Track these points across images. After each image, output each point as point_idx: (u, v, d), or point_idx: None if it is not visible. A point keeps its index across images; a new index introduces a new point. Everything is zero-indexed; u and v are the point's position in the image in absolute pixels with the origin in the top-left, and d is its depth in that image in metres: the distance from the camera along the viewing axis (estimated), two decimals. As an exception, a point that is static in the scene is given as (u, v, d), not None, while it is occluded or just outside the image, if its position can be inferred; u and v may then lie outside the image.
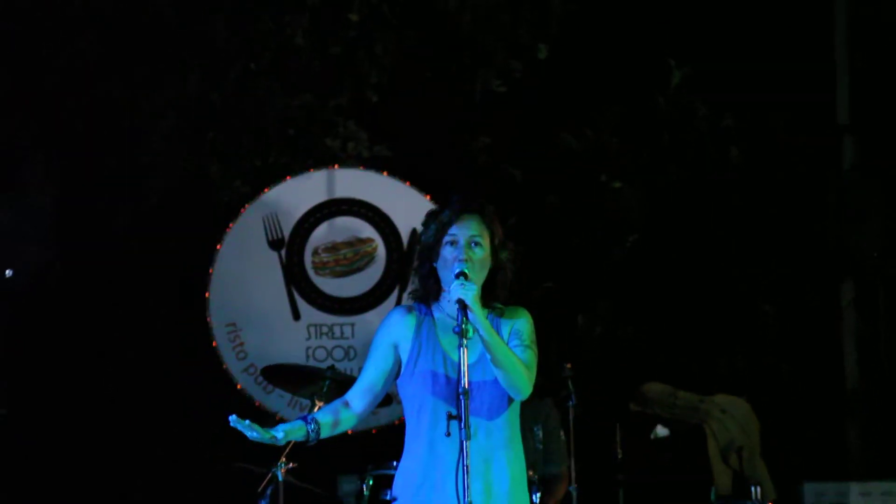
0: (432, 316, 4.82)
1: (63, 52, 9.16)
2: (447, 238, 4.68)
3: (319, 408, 6.72)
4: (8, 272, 8.20)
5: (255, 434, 4.54)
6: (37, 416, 8.93)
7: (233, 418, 4.53)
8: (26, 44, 9.15)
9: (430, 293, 4.80)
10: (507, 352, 4.62)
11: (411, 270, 5.07)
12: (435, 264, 4.71)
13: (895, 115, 9.55)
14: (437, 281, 4.72)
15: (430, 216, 4.80)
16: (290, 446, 6.58)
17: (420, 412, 4.74)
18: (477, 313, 4.53)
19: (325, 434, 4.70)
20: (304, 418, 4.67)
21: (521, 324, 4.76)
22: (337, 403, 4.83)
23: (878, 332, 9.83)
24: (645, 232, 9.80)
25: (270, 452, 6.62)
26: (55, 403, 9.20)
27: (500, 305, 4.77)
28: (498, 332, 4.63)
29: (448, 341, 4.72)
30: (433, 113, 9.72)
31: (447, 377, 4.69)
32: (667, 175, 9.84)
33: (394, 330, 4.80)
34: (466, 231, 4.71)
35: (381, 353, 4.79)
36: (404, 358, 4.76)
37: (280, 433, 4.57)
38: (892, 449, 9.61)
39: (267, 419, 8.25)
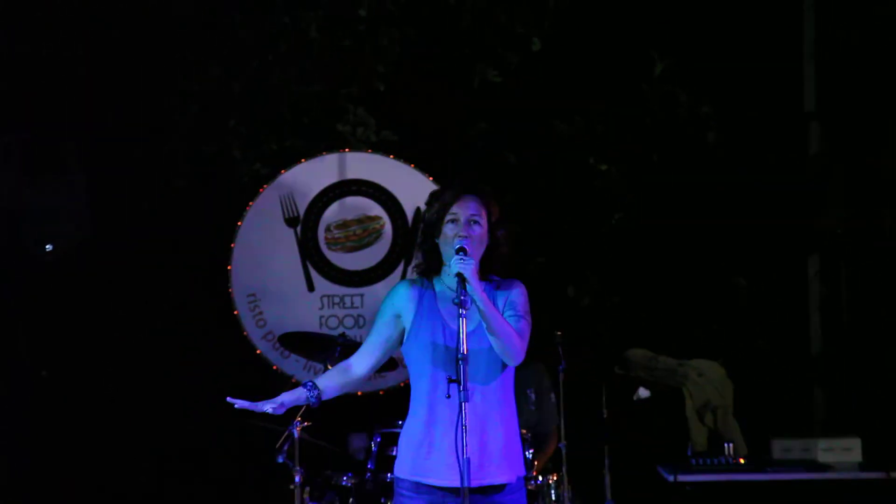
0: (433, 288, 4.89)
1: (97, 47, 9.17)
2: (449, 216, 4.76)
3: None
4: (48, 247, 8.24)
5: (259, 407, 4.67)
6: (74, 377, 8.96)
7: (239, 403, 4.66)
8: (63, 38, 9.16)
9: (431, 266, 4.87)
10: (502, 322, 4.68)
11: (415, 245, 5.10)
12: (437, 240, 4.78)
13: (857, 103, 9.54)
14: (439, 255, 4.80)
15: (434, 196, 4.88)
16: (304, 408, 6.65)
17: (422, 377, 4.82)
18: (475, 286, 4.60)
19: (326, 397, 4.79)
20: (305, 385, 4.77)
21: (516, 295, 4.83)
22: (340, 367, 4.93)
23: (840, 301, 9.83)
24: (629, 211, 9.79)
25: (288, 413, 6.68)
26: (91, 365, 9.24)
27: (496, 278, 4.83)
28: (494, 302, 4.71)
29: (447, 312, 4.80)
30: (435, 101, 9.73)
31: (445, 345, 4.76)
32: (649, 158, 9.83)
33: (397, 302, 4.87)
34: (466, 210, 4.78)
35: (384, 322, 4.86)
36: (407, 327, 4.84)
37: (282, 404, 4.71)
38: (853, 408, 9.65)
39: (284, 381, 8.30)
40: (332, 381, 4.89)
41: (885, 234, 8.98)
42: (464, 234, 4.76)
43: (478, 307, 4.64)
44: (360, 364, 4.93)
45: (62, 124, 8.50)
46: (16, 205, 8.32)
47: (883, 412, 9.25)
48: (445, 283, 4.89)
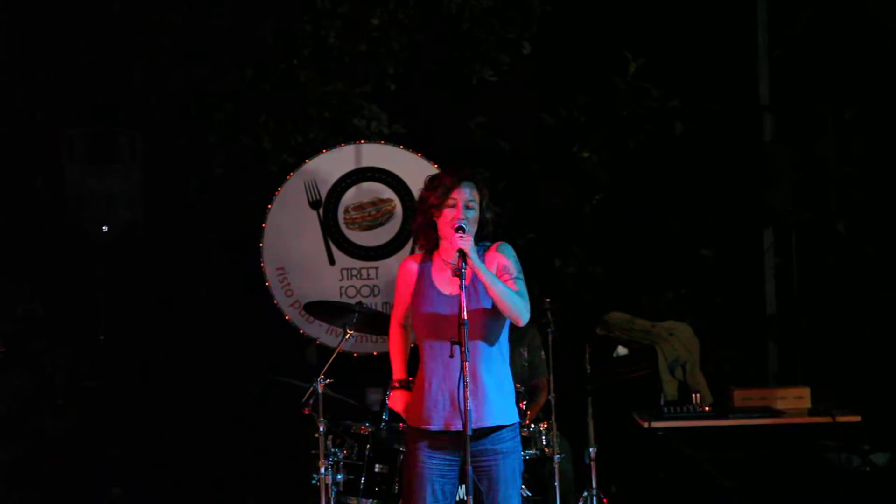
0: (431, 261, 4.97)
1: (146, 50, 9.19)
2: (449, 201, 4.83)
3: (349, 335, 6.85)
4: (105, 228, 8.27)
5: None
6: (127, 344, 8.99)
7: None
8: (116, 44, 9.17)
9: (429, 241, 4.94)
10: (504, 288, 4.77)
11: (413, 223, 5.17)
12: (435, 219, 4.85)
13: (804, 97, 9.54)
14: (436, 230, 4.87)
15: (433, 180, 4.96)
16: (328, 364, 6.71)
17: (425, 340, 4.92)
18: (475, 259, 4.69)
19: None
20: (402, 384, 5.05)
21: (507, 258, 4.94)
22: (399, 334, 5.00)
23: (791, 269, 9.82)
24: (608, 191, 9.80)
25: (313, 371, 6.75)
26: (142, 330, 9.27)
27: (485, 244, 4.90)
28: (484, 263, 4.79)
29: (443, 281, 4.89)
30: (439, 98, 9.75)
31: (442, 312, 4.84)
32: (626, 146, 9.82)
33: (405, 277, 4.97)
34: (463, 196, 4.87)
35: (401, 292, 4.95)
36: (412, 297, 4.93)
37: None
38: (802, 361, 9.68)
39: (309, 342, 8.35)
40: (403, 355, 5.03)
41: (829, 210, 8.99)
42: (461, 216, 4.85)
43: (482, 278, 4.73)
44: (405, 320, 5.12)
45: (119, 120, 8.51)
46: (78, 190, 8.35)
47: (828, 365, 9.29)
48: (442, 257, 4.96)
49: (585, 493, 7.24)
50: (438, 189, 4.93)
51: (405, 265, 5.09)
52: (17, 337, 6.03)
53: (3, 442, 9.27)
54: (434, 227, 4.95)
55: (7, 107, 9.15)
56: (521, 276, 4.90)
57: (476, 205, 4.91)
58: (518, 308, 4.78)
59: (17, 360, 6.01)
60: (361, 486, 6.72)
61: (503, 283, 4.80)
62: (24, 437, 9.34)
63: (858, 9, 9.48)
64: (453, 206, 4.87)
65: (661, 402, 7.53)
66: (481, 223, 4.93)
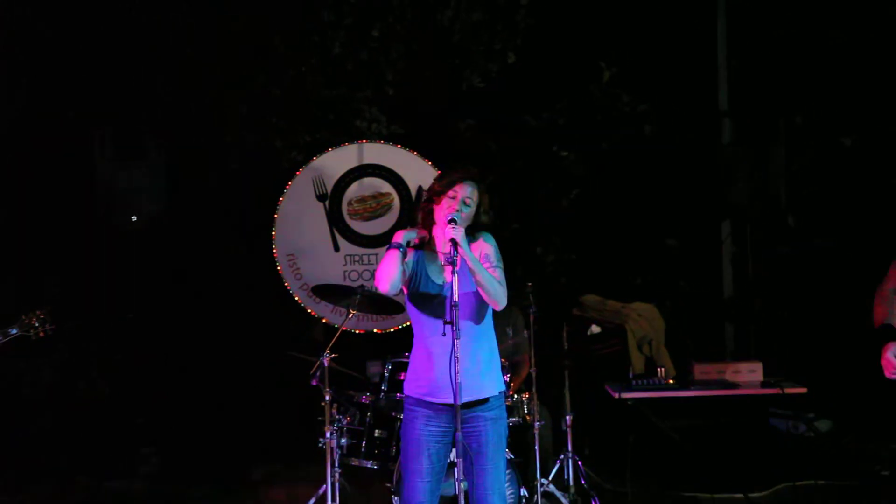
0: (424, 251, 4.99)
1: (170, 63, 9.19)
2: (450, 193, 4.84)
3: (352, 315, 6.86)
4: (133, 217, 8.28)
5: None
6: (152, 321, 9.00)
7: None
8: (143, 52, 9.18)
9: (426, 223, 4.94)
10: (488, 275, 4.77)
11: (416, 207, 5.19)
12: (434, 206, 4.86)
13: (758, 104, 9.57)
14: (433, 217, 4.88)
15: (443, 174, 4.97)
16: (333, 341, 6.72)
17: (418, 319, 4.93)
18: (465, 248, 4.70)
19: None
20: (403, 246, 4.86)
21: (488, 248, 4.91)
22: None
23: (746, 257, 9.86)
24: (584, 187, 9.84)
25: (320, 347, 6.77)
26: (166, 309, 9.30)
27: (471, 234, 4.88)
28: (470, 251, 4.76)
29: (434, 269, 4.90)
30: (433, 101, 9.78)
31: (434, 295, 4.85)
32: (600, 146, 9.85)
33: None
34: (463, 193, 4.87)
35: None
36: (407, 282, 4.93)
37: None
38: (755, 340, 9.74)
39: (316, 321, 8.37)
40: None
41: (780, 205, 9.03)
42: (457, 208, 4.86)
43: (469, 266, 4.75)
44: None
45: (145, 121, 8.52)
46: (108, 184, 8.36)
47: (778, 342, 9.34)
48: (434, 247, 4.98)
49: (562, 456, 7.26)
50: (445, 180, 4.94)
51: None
52: (55, 316, 6.02)
53: (45, 409, 9.31)
54: (432, 214, 4.95)
55: (43, 109, 9.15)
56: (501, 264, 4.90)
57: (473, 203, 4.89)
58: (498, 293, 4.78)
59: (56, 338, 6.02)
60: (363, 449, 6.74)
61: (486, 270, 4.81)
62: (64, 404, 9.38)
63: (807, 25, 9.51)
64: (453, 198, 4.86)
65: (630, 376, 7.52)
66: (476, 223, 4.94)
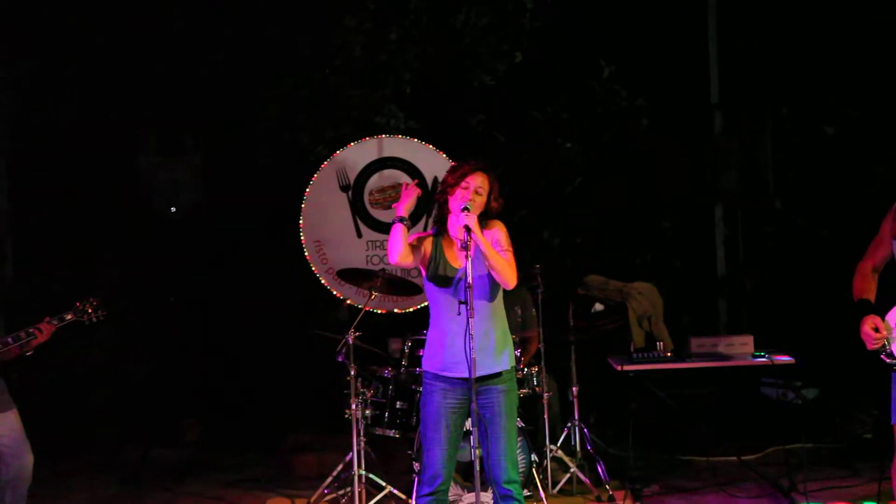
0: (442, 237, 4.96)
1: (204, 62, 9.17)
2: (463, 184, 4.82)
3: (373, 296, 6.82)
4: (173, 209, 8.26)
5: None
6: (192, 304, 9.01)
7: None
8: (181, 57, 9.16)
9: (442, 216, 4.92)
10: (499, 258, 4.74)
11: (433, 197, 5.15)
12: (449, 196, 4.82)
13: (747, 98, 9.52)
14: (447, 206, 4.85)
15: (456, 166, 4.94)
16: (357, 320, 6.69)
17: (435, 301, 4.90)
18: (478, 234, 4.67)
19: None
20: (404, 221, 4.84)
21: (498, 234, 4.90)
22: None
23: (737, 238, 9.85)
24: (586, 176, 9.80)
25: (345, 326, 6.74)
26: (204, 292, 9.29)
27: (484, 222, 4.86)
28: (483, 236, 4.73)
29: (451, 253, 4.87)
30: (446, 98, 9.71)
31: (450, 277, 4.83)
32: (600, 138, 9.81)
33: (425, 241, 4.94)
34: (475, 182, 4.85)
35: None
36: (425, 265, 4.90)
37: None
38: (747, 314, 9.70)
39: (340, 303, 8.32)
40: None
41: (768, 190, 8.98)
42: (469, 198, 4.84)
43: (482, 249, 4.71)
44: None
45: (184, 121, 8.50)
46: (150, 178, 8.34)
47: (768, 317, 9.29)
48: (450, 234, 4.95)
49: (569, 424, 7.26)
50: (457, 172, 4.94)
51: (429, 237, 5.04)
52: (105, 302, 6.01)
53: (97, 385, 9.34)
54: (447, 203, 4.95)
55: (92, 112, 9.15)
56: (510, 248, 4.89)
57: (484, 192, 4.89)
58: (508, 275, 4.78)
59: (105, 318, 6.00)
60: (385, 420, 6.73)
61: (497, 254, 4.80)
62: (113, 381, 9.40)
63: (792, 24, 9.45)
64: (465, 188, 4.87)
65: (631, 349, 7.52)
66: (487, 210, 4.92)
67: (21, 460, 5.90)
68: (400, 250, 4.81)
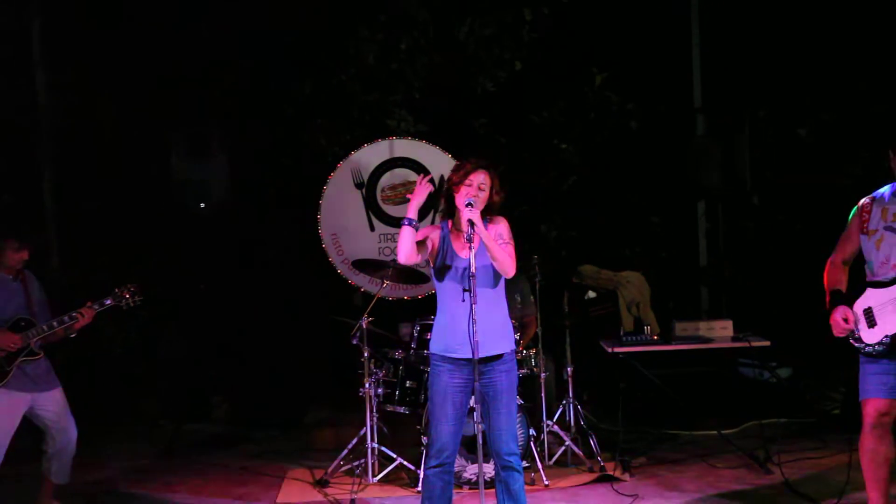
0: (449, 230, 4.98)
1: (231, 74, 9.21)
2: (467, 181, 4.84)
3: (385, 285, 6.85)
4: (202, 205, 8.29)
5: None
6: (220, 291, 9.03)
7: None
8: (207, 62, 9.20)
9: (449, 211, 4.94)
10: (501, 250, 4.77)
11: (440, 194, 5.16)
12: (454, 194, 4.84)
13: (727, 103, 9.52)
14: (454, 202, 4.87)
15: (460, 165, 4.96)
16: (370, 306, 6.73)
17: (442, 287, 4.93)
18: (480, 228, 4.70)
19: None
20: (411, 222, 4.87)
21: (502, 228, 4.93)
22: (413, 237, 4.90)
23: (718, 231, 9.85)
24: (581, 174, 9.80)
25: (359, 311, 6.78)
26: (231, 280, 9.33)
27: (489, 217, 4.88)
28: (486, 230, 4.77)
29: (457, 245, 4.90)
30: (452, 103, 9.73)
31: (455, 267, 4.86)
32: (594, 139, 9.80)
33: (433, 235, 4.96)
34: (478, 179, 4.87)
35: (425, 232, 4.96)
36: (434, 255, 4.93)
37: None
38: (726, 301, 9.70)
39: (355, 290, 8.35)
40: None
41: (746, 187, 8.98)
42: (473, 194, 4.86)
43: (484, 242, 4.75)
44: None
45: (215, 124, 8.51)
46: (181, 177, 8.37)
47: (746, 303, 9.31)
48: (457, 226, 4.97)
49: (564, 401, 7.29)
50: (461, 171, 4.94)
51: (437, 230, 5.07)
52: (140, 286, 6.08)
53: (134, 365, 9.39)
54: (453, 199, 4.96)
55: (129, 117, 9.19)
56: (512, 241, 4.91)
57: (487, 188, 4.89)
58: (508, 265, 4.79)
59: (141, 304, 6.06)
60: (396, 397, 6.78)
61: (499, 246, 4.82)
62: (149, 361, 9.44)
63: (768, 35, 9.45)
64: (469, 185, 4.87)
65: (621, 333, 7.52)
66: (490, 203, 4.94)
67: (66, 433, 5.99)
68: (408, 251, 4.84)
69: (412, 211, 4.91)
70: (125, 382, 9.24)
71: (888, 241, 4.87)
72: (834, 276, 5.05)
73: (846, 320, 4.87)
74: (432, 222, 5.45)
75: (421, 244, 4.95)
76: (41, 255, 6.16)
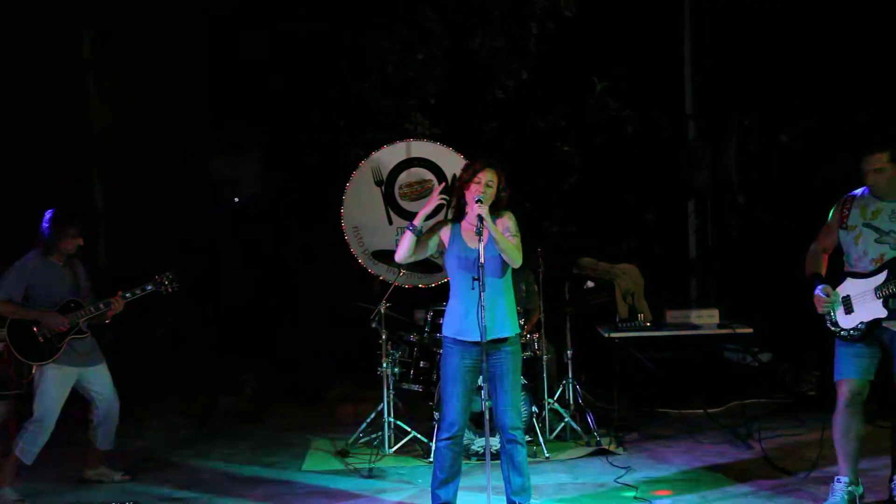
0: (460, 224, 4.96)
1: (263, 82, 9.20)
2: (475, 179, 4.82)
3: (402, 273, 6.84)
4: (236, 199, 8.28)
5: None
6: (252, 278, 9.05)
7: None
8: (243, 76, 9.19)
9: (461, 205, 4.91)
10: (508, 242, 4.75)
11: (452, 192, 5.13)
12: (465, 191, 4.81)
13: (716, 109, 9.51)
14: (464, 198, 4.84)
15: (469, 164, 4.93)
16: (388, 293, 6.72)
17: (454, 276, 4.91)
18: (489, 221, 4.68)
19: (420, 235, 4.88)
20: (415, 229, 4.86)
21: (509, 222, 4.89)
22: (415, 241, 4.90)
23: (706, 228, 9.82)
24: (581, 174, 9.80)
25: (378, 298, 6.76)
26: (261, 266, 9.34)
27: (496, 212, 4.84)
28: (495, 224, 4.74)
29: (468, 238, 4.87)
30: (464, 109, 9.73)
31: (466, 258, 4.83)
32: (594, 142, 9.80)
33: (442, 230, 4.94)
34: (486, 177, 4.84)
35: (434, 228, 4.92)
36: (446, 247, 4.91)
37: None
38: (713, 292, 9.68)
39: (373, 279, 8.33)
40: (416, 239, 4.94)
41: (733, 187, 8.96)
42: (482, 191, 4.84)
43: (492, 235, 4.73)
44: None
45: (246, 125, 8.50)
46: (217, 173, 8.35)
47: (731, 294, 9.28)
48: (467, 220, 4.95)
49: (564, 381, 7.25)
50: (470, 170, 4.92)
51: (447, 225, 5.04)
52: (179, 273, 6.08)
53: (173, 345, 9.41)
54: (463, 196, 4.94)
55: (169, 119, 9.18)
56: (518, 234, 4.89)
57: (494, 185, 4.87)
58: (515, 256, 4.78)
59: (179, 289, 6.06)
60: (411, 377, 6.78)
61: (506, 238, 4.80)
62: (186, 341, 9.47)
63: (754, 49, 9.41)
64: (478, 183, 4.85)
65: (617, 320, 7.51)
66: (497, 199, 4.92)
67: (110, 405, 6.01)
68: (404, 254, 4.90)
69: (418, 218, 4.90)
70: (165, 360, 9.26)
71: (866, 236, 4.91)
72: (814, 261, 5.12)
73: (827, 295, 4.91)
74: (446, 216, 5.43)
75: (432, 238, 4.94)
76: (89, 246, 6.15)
